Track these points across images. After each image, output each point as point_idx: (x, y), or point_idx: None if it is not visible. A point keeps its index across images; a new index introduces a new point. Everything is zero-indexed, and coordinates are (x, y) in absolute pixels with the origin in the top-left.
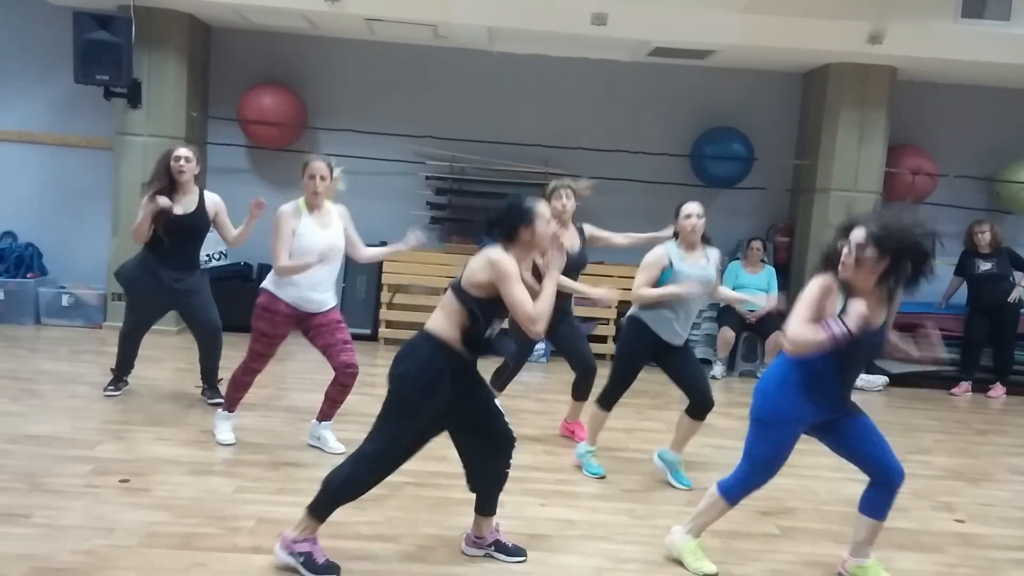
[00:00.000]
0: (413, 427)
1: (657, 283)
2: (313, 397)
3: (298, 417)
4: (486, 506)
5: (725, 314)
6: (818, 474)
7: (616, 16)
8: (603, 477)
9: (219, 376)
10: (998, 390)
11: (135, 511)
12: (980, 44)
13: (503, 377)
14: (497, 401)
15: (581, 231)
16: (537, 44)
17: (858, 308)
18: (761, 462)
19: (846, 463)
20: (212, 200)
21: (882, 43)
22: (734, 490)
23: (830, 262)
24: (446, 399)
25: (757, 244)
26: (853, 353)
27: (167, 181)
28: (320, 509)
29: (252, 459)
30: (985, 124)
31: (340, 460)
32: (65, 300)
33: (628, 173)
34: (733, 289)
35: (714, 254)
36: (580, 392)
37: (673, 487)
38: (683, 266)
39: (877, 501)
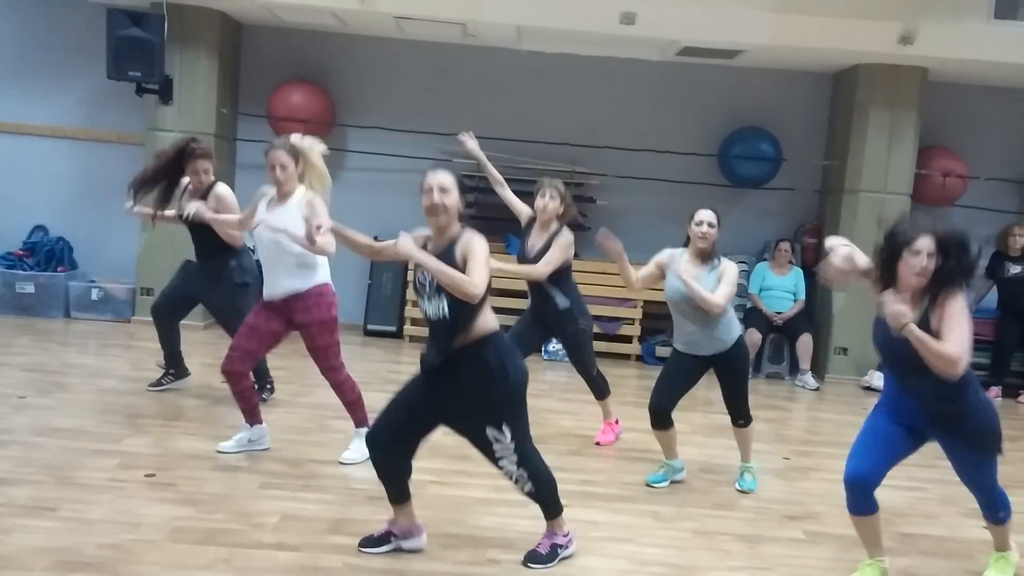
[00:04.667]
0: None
1: (656, 280)
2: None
3: (322, 414)
4: None
5: (751, 316)
6: None
7: (645, 15)
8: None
9: (269, 377)
10: None
11: (160, 506)
12: (1013, 45)
13: None
14: None
15: (554, 235)
16: (565, 43)
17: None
18: (848, 452)
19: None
20: (214, 194)
21: (913, 44)
22: (846, 496)
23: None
24: None
25: (785, 245)
26: (892, 355)
27: (177, 172)
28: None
29: (276, 455)
30: (1017, 126)
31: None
32: (95, 294)
33: (655, 173)
34: (760, 292)
35: (725, 268)
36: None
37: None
38: (672, 282)
39: (981, 506)
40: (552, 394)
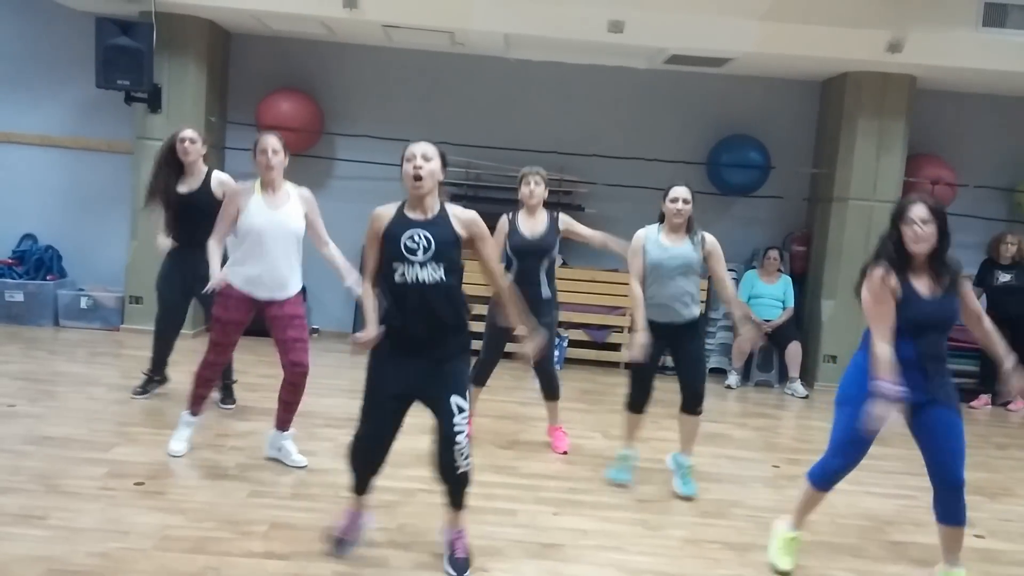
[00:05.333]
0: None
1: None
2: (327, 402)
3: (311, 422)
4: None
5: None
6: (836, 487)
7: (633, 24)
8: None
9: (233, 378)
10: (1019, 404)
11: (150, 514)
12: (1001, 53)
13: (482, 369)
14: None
15: (554, 219)
16: (554, 51)
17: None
18: (838, 443)
19: (864, 476)
20: (219, 180)
21: (902, 52)
22: (817, 474)
23: (885, 250)
24: None
25: (774, 253)
26: (923, 329)
27: (174, 166)
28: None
29: (265, 464)
30: (1006, 134)
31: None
32: (84, 303)
33: (644, 181)
34: (748, 300)
35: (708, 239)
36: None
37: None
38: (656, 251)
39: (945, 506)
40: (540, 401)
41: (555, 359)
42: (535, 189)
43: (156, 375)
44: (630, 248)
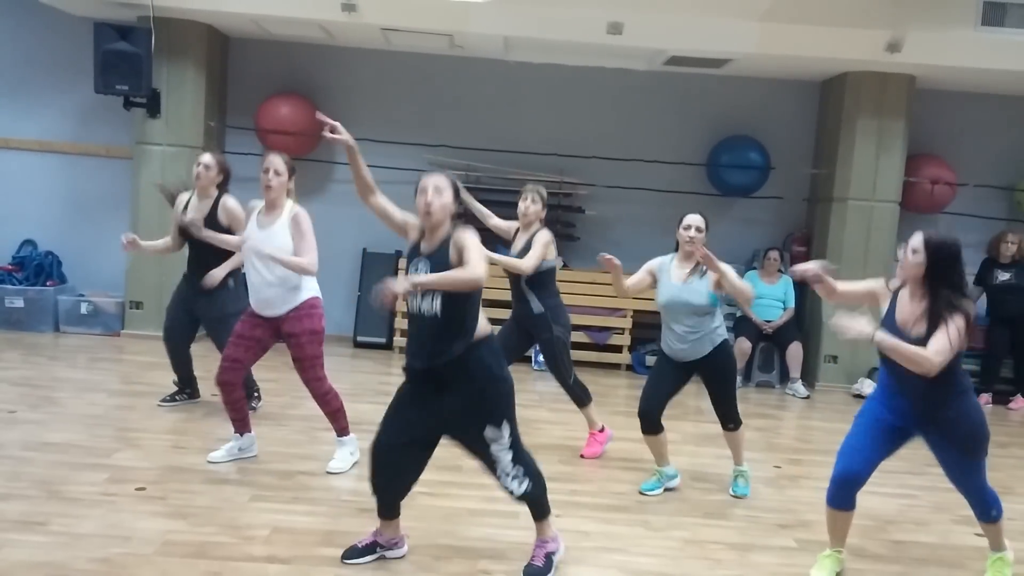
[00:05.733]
0: None
1: (647, 287)
2: None
3: (312, 426)
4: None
5: (741, 325)
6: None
7: (632, 25)
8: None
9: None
10: (1019, 402)
11: (151, 519)
12: (1000, 52)
13: None
14: None
15: (533, 236)
16: (553, 53)
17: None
18: (840, 449)
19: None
20: (225, 208)
21: (900, 51)
22: (828, 487)
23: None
24: None
25: (774, 254)
26: (894, 363)
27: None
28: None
29: (267, 468)
30: (1005, 133)
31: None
32: (84, 308)
33: (644, 182)
34: None
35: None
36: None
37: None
38: (667, 289)
39: (973, 508)
40: (543, 404)
41: (567, 375)
42: (530, 206)
43: (187, 388)
44: (644, 265)
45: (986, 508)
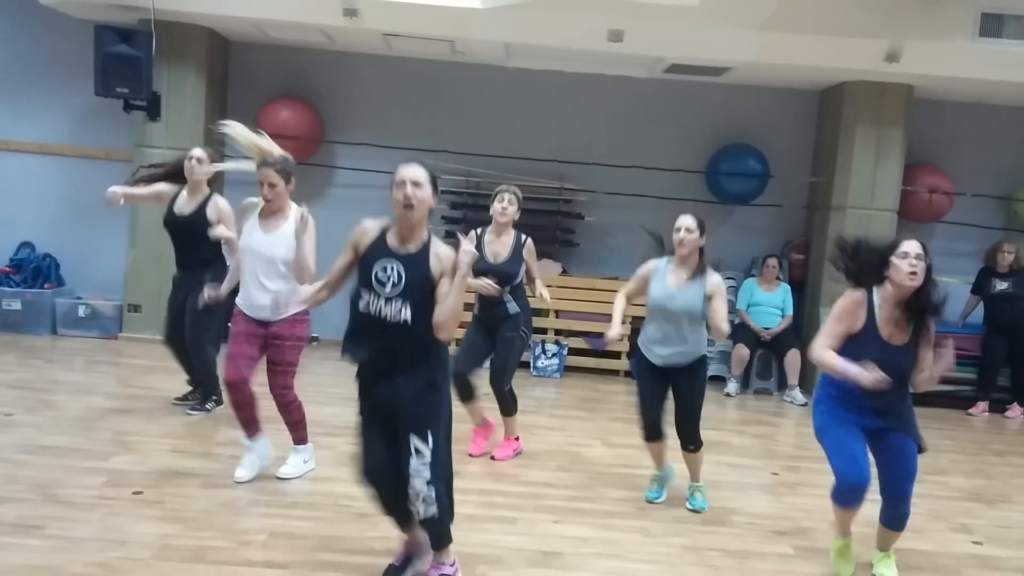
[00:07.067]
0: None
1: (642, 294)
2: (328, 410)
3: (311, 431)
4: None
5: (739, 331)
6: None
7: (632, 33)
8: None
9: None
10: (1016, 410)
11: (148, 523)
12: (998, 63)
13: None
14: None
15: (520, 244)
16: (554, 60)
17: (874, 375)
18: (837, 469)
19: None
20: (216, 206)
21: (899, 61)
22: (834, 493)
23: (864, 277)
24: None
25: (772, 261)
26: (891, 366)
27: (175, 173)
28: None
29: (265, 472)
30: (1002, 143)
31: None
32: (82, 311)
33: (643, 189)
34: (748, 308)
35: (711, 280)
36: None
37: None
38: (659, 291)
39: (891, 515)
40: (541, 410)
41: (508, 379)
42: (508, 208)
43: (213, 393)
44: (637, 272)
45: (906, 517)
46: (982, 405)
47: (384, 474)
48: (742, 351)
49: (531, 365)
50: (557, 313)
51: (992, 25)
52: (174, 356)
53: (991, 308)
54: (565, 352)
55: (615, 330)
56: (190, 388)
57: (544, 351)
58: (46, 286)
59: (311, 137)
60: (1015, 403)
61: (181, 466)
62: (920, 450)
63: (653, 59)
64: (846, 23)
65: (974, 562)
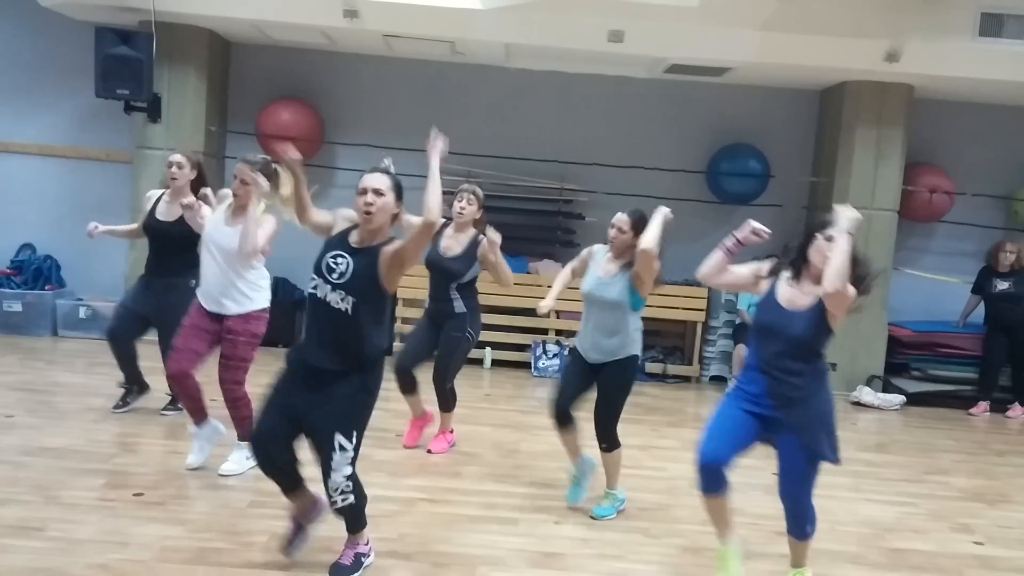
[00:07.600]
0: None
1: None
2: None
3: None
4: None
5: (740, 331)
6: (835, 494)
7: (633, 33)
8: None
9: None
10: (1017, 410)
11: (149, 525)
12: (998, 63)
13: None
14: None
15: (475, 244)
16: (554, 60)
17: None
18: (698, 444)
19: (863, 483)
20: (201, 215)
21: (899, 61)
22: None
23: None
24: None
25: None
26: (764, 332)
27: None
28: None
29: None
30: (1003, 142)
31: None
32: (82, 312)
33: (644, 189)
34: (748, 308)
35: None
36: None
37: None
38: (590, 279)
39: (788, 520)
40: (542, 411)
41: (450, 378)
42: (466, 208)
43: (134, 383)
44: (582, 251)
45: (803, 523)
46: (983, 405)
47: (275, 438)
48: (742, 350)
49: (532, 365)
50: (558, 314)
51: (992, 25)
52: (115, 355)
53: (992, 308)
54: (566, 352)
55: (547, 302)
56: (123, 390)
57: (545, 351)
58: (47, 288)
59: (311, 138)
60: (1016, 403)
61: (182, 467)
62: (823, 458)
63: (653, 59)
64: (846, 23)
65: (975, 562)
